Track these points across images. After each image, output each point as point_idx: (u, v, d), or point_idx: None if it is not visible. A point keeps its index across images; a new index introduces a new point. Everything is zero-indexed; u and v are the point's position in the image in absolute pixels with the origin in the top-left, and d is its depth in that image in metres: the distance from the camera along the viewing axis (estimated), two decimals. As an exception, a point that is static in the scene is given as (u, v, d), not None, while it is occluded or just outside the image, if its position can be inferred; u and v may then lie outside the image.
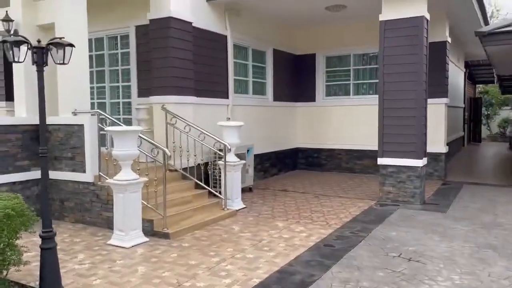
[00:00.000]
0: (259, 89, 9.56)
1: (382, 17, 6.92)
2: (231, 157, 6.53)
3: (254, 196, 7.59)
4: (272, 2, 8.21)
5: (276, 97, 9.98)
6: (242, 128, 6.99)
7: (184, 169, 6.62)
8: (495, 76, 18.71)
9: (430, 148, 8.11)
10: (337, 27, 10.10)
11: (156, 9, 6.81)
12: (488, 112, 25.56)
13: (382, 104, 7.04)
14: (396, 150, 6.95)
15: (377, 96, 9.88)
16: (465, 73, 17.00)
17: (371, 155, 10.02)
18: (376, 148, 9.80)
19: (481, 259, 4.30)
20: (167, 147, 6.23)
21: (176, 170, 6.58)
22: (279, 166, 10.26)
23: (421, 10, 6.66)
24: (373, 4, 7.75)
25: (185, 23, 6.96)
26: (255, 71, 9.35)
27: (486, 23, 10.09)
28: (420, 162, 6.82)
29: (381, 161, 7.10)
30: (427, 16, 6.83)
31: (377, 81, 9.98)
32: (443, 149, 9.34)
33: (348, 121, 10.25)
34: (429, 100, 7.45)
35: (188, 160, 6.61)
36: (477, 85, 24.70)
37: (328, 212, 6.37)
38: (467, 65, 17.41)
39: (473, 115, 20.87)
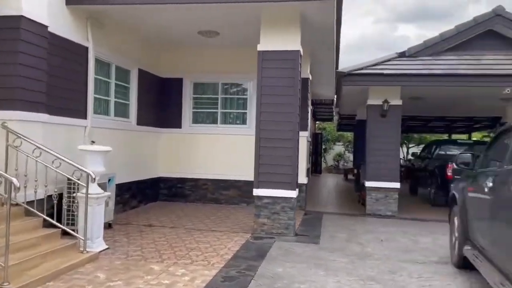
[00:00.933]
0: (122, 111, 8.58)
1: (260, 47, 6.89)
2: (94, 188, 5.49)
3: (116, 233, 6.57)
4: (139, 17, 7.50)
5: (140, 121, 9.11)
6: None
7: (30, 203, 5.32)
8: (334, 114, 20.94)
9: (297, 179, 8.31)
10: (208, 52, 9.85)
11: (3, 4, 5.50)
12: (325, 147, 28.48)
13: (258, 134, 6.91)
14: (272, 180, 6.85)
15: (244, 126, 10.03)
16: (311, 110, 18.56)
17: (237, 185, 9.88)
18: (242, 178, 9.82)
19: (370, 293, 4.30)
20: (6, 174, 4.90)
21: (17, 204, 5.23)
22: (140, 197, 9.30)
23: (297, 45, 6.84)
24: (248, 32, 7.74)
25: (39, 26, 5.77)
26: (118, 90, 8.38)
27: (337, 66, 11.08)
28: (294, 193, 6.83)
29: (256, 192, 6.90)
30: (302, 51, 7.05)
31: (245, 111, 10.02)
32: (305, 180, 9.73)
33: (215, 150, 9.94)
34: (299, 133, 7.65)
35: (35, 192, 5.34)
36: (316, 122, 27.35)
37: (206, 249, 5.81)
38: (312, 102, 19.08)
39: (314, 148, 22.92)
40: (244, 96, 10.09)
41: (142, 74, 9.15)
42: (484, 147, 4.97)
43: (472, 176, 4.76)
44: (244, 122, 10.08)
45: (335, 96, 14.58)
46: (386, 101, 9.09)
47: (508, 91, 8.43)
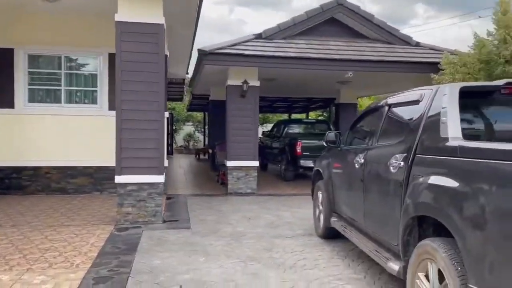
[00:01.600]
0: None
1: (118, 17, 6.16)
2: None
3: None
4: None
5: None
6: None
7: None
8: (185, 94, 20.62)
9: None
10: (48, 20, 8.47)
11: None
12: (175, 127, 28.06)
13: (120, 115, 6.24)
14: (136, 166, 6.29)
15: (94, 105, 9.01)
16: (163, 89, 17.89)
17: (87, 172, 8.94)
18: (93, 163, 8.88)
19: (254, 274, 4.28)
20: None
21: None
22: (-38, 193, 7.62)
23: (160, 17, 6.33)
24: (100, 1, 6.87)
25: None
26: None
27: (193, 45, 10.77)
28: (161, 178, 6.42)
29: (119, 179, 6.26)
30: (165, 25, 6.56)
31: (95, 89, 9.02)
32: (166, 162, 9.29)
33: (59, 133, 8.73)
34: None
35: None
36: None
37: (64, 248, 5.03)
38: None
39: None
40: (94, 72, 9.05)
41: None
42: (348, 127, 5.28)
43: (338, 153, 5.11)
44: (94, 101, 9.08)
45: (189, 76, 14.30)
46: (245, 82, 9.22)
47: (350, 74, 9.40)
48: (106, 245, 5.20)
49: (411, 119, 3.36)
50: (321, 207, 5.75)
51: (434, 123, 2.98)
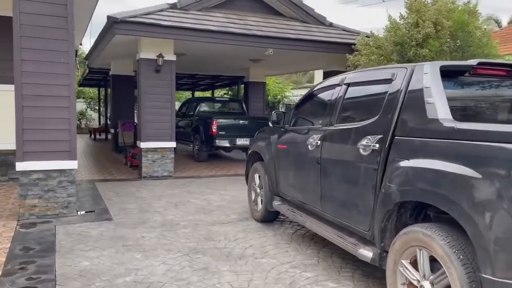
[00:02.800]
0: None
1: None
2: None
3: None
4: None
5: None
6: None
7: None
8: (77, 67, 18.68)
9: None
10: None
11: None
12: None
13: (20, 90, 5.19)
14: (43, 150, 5.35)
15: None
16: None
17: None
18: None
19: (204, 269, 3.87)
20: None
21: None
22: None
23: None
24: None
25: None
26: None
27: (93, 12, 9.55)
28: (74, 164, 5.56)
29: (21, 166, 5.26)
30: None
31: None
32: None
33: None
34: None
35: None
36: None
37: (-42, 255, 4.04)
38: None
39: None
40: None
41: None
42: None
43: (282, 133, 4.85)
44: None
45: (82, 46, 12.82)
46: (161, 55, 8.45)
47: (271, 52, 9.18)
48: (14, 246, 4.31)
49: (382, 99, 3.20)
50: (258, 190, 5.50)
51: (416, 103, 2.85)
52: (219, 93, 23.43)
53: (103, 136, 20.22)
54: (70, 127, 5.48)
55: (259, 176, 5.48)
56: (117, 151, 12.62)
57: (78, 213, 5.70)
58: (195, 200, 6.74)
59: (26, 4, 5.12)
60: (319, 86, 4.44)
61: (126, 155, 10.65)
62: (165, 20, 8.01)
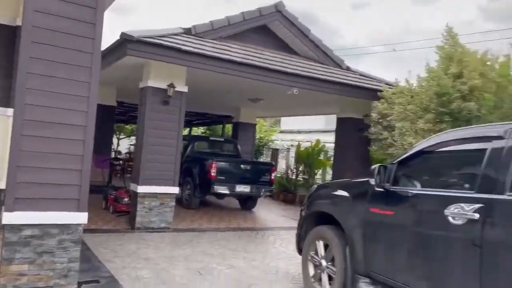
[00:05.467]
0: None
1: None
2: None
3: None
4: None
5: None
6: None
7: None
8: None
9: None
10: None
11: None
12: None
13: (21, 113, 3.78)
14: (42, 196, 3.90)
15: None
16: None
17: None
18: None
19: None
20: None
21: None
22: None
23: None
24: None
25: None
26: None
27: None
28: (84, 217, 4.12)
29: (10, 217, 3.76)
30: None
31: None
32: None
33: None
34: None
35: None
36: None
37: None
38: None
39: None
40: None
41: None
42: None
43: (379, 194, 3.73)
44: None
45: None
46: (172, 85, 7.21)
47: (295, 92, 8.19)
48: None
49: None
50: (323, 263, 4.28)
51: None
52: (196, 132, 22.00)
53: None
54: (83, 167, 4.08)
55: (326, 245, 4.28)
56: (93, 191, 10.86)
57: (79, 283, 4.18)
58: (220, 267, 5.36)
59: (42, 1, 3.82)
60: (451, 137, 3.41)
61: (106, 197, 9.02)
62: (183, 45, 6.85)
